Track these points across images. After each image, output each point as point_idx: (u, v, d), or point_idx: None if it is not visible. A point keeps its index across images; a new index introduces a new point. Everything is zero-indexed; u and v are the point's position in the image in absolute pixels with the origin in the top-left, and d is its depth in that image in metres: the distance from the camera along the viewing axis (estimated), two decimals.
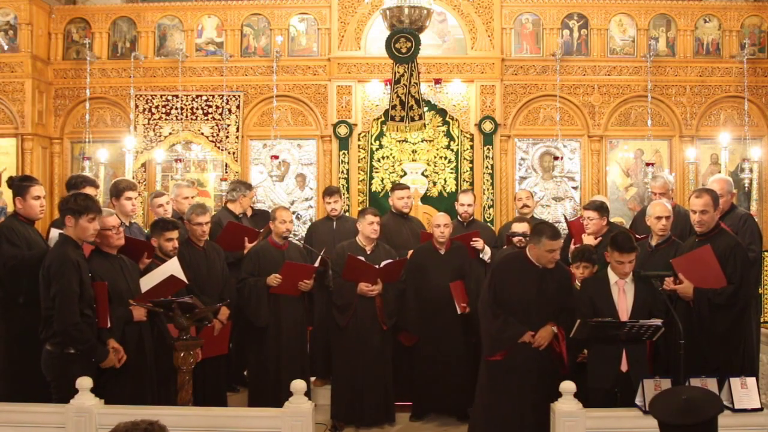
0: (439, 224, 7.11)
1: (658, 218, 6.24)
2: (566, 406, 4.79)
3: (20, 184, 5.70)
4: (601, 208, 6.97)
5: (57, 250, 5.04)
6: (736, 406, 4.87)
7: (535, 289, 5.69)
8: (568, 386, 4.81)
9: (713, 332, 5.62)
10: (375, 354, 6.84)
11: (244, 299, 6.84)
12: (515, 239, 7.01)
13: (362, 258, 6.83)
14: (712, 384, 4.91)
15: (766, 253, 8.50)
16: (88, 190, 6.04)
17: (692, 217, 5.86)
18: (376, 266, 6.76)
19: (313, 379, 7.36)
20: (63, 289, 4.87)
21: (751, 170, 9.20)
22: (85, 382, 4.75)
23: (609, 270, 5.62)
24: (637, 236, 6.23)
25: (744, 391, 4.95)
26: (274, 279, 6.73)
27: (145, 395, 5.33)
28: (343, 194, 9.67)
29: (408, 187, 8.29)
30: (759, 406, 4.92)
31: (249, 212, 8.16)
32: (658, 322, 5.25)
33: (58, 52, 10.75)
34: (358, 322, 6.84)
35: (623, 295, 5.52)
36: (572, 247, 6.93)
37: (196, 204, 6.91)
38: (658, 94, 10.53)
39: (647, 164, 9.87)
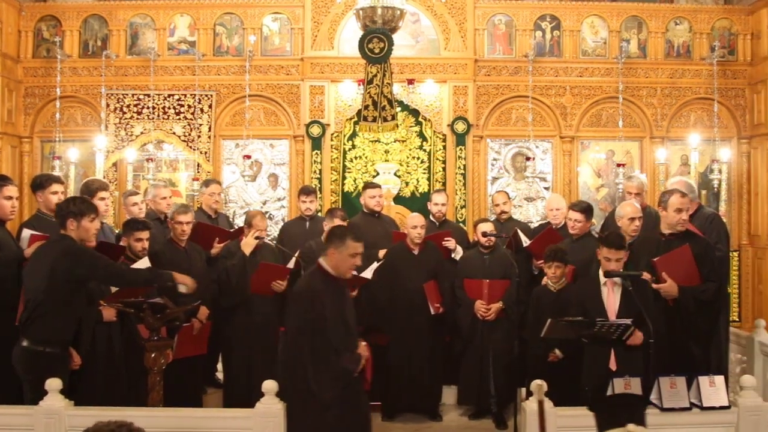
0: (415, 225, 7.12)
1: (631, 219, 6.32)
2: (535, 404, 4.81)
3: None
4: (588, 211, 7.04)
5: (65, 245, 4.97)
6: (705, 404, 4.94)
7: None
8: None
9: (699, 330, 5.70)
10: None
11: (230, 282, 6.83)
12: (483, 239, 7.08)
13: None
14: (681, 383, 4.97)
15: (733, 252, 8.60)
16: (55, 188, 5.93)
17: (676, 217, 5.84)
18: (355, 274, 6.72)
19: None
20: (104, 262, 5.05)
21: (720, 171, 9.30)
22: (54, 384, 4.70)
23: (600, 270, 5.67)
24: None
25: (712, 388, 5.01)
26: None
27: (115, 396, 5.29)
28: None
29: (380, 186, 8.30)
30: (727, 403, 4.99)
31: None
32: (627, 321, 5.29)
33: (28, 50, 10.60)
34: None
35: (612, 295, 5.57)
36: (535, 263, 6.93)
37: (181, 204, 6.93)
38: (629, 95, 10.61)
39: (618, 165, 9.94)
